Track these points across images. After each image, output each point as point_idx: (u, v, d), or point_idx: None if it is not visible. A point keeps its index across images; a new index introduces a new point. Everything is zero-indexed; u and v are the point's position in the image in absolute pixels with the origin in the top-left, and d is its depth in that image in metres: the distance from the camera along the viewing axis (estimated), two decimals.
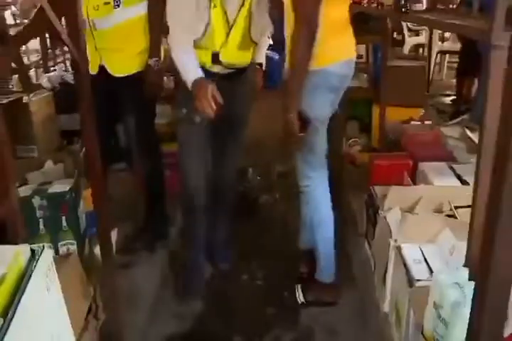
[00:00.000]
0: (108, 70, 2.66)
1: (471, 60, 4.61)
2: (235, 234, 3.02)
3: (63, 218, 1.99)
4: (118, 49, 2.63)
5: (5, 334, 0.63)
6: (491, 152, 1.19)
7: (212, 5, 2.14)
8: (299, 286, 2.58)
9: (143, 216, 3.05)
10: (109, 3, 2.56)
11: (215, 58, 2.27)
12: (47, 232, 1.98)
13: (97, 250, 2.11)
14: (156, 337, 2.36)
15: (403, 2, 2.41)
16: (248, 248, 3.11)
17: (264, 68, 2.59)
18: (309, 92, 2.09)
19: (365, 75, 4.27)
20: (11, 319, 0.65)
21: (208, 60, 2.27)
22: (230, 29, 2.22)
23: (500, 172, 0.87)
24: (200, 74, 2.17)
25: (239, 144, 2.67)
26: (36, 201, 1.95)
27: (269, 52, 7.03)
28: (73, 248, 2.02)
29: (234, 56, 2.30)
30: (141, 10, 2.60)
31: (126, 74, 2.66)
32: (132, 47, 2.65)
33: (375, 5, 3.08)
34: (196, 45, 2.22)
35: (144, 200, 3.03)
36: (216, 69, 2.31)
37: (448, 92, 5.90)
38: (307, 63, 2.00)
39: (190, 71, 2.19)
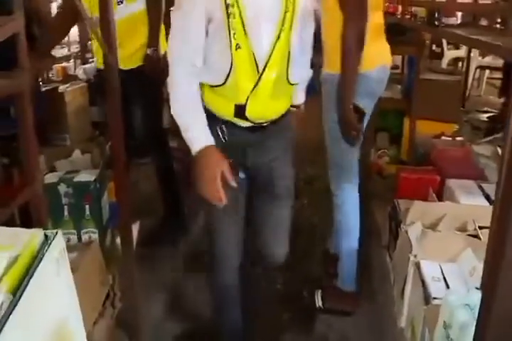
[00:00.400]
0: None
1: None
2: None
3: (87, 207, 2.04)
4: (122, 43, 2.63)
5: (13, 309, 0.67)
6: None
7: (235, 45, 1.54)
8: (319, 292, 2.57)
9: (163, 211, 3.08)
10: None
11: (240, 112, 1.65)
12: (70, 219, 2.03)
13: (119, 240, 2.14)
14: (171, 330, 2.36)
15: (436, 15, 2.37)
16: None
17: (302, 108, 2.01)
18: None
19: (399, 86, 4.22)
20: (20, 297, 0.69)
21: (229, 112, 1.66)
22: (261, 74, 1.60)
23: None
24: (209, 139, 1.58)
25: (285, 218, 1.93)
26: (62, 188, 1.99)
27: None
28: (95, 236, 2.06)
29: (265, 107, 1.68)
30: (141, 5, 2.69)
31: (130, 68, 2.70)
32: (135, 41, 2.72)
33: (409, 16, 3.05)
34: (214, 92, 1.65)
35: (161, 195, 3.06)
36: (241, 123, 1.69)
37: (485, 109, 5.80)
38: (360, 55, 1.98)
39: (195, 129, 1.59)
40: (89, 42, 3.97)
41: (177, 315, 2.47)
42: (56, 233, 0.85)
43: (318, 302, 2.55)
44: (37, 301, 0.74)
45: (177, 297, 2.60)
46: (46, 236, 0.84)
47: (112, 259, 2.18)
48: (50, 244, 0.82)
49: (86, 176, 2.05)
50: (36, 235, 0.82)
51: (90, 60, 4.19)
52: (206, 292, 2.60)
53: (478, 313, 0.84)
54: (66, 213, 2.05)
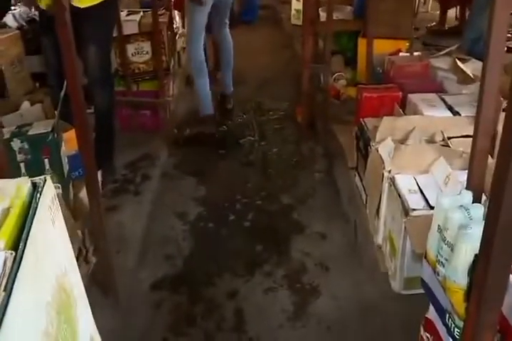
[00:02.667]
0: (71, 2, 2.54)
1: None
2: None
3: (46, 161, 1.92)
4: None
5: (19, 266, 0.62)
6: (495, 77, 1.14)
7: None
8: None
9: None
10: None
11: None
12: (29, 177, 1.91)
13: (83, 193, 2.06)
14: (148, 279, 2.35)
15: None
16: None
17: None
18: None
19: (349, 7, 4.13)
20: (23, 251, 0.64)
21: None
22: None
23: None
24: None
25: None
26: (16, 144, 1.87)
27: None
28: (58, 191, 1.95)
29: None
30: None
31: (88, 5, 2.59)
32: None
33: None
34: None
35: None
36: None
37: (434, 24, 5.77)
38: None
39: None
40: None
41: (150, 264, 2.46)
42: (45, 179, 0.77)
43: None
44: (39, 253, 0.69)
45: (145, 245, 2.57)
46: (34, 184, 0.77)
47: (77, 213, 2.11)
48: (41, 191, 0.76)
49: (40, 128, 1.93)
50: (23, 184, 0.76)
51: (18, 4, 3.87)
52: (176, 238, 2.63)
53: (486, 216, 0.82)
54: (23, 170, 1.94)
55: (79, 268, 1.84)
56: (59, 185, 1.98)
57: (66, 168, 2.07)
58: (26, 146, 1.87)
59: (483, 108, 1.16)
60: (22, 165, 1.91)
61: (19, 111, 2.07)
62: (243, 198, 2.98)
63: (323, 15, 3.67)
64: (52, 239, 0.76)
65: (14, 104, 2.12)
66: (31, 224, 0.68)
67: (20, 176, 1.89)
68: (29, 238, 0.66)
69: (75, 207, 2.15)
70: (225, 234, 2.68)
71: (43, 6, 2.64)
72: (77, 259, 1.91)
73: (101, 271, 2.02)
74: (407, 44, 3.74)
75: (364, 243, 2.33)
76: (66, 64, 1.57)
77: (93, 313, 1.89)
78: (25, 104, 2.07)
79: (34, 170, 1.93)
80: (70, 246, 0.85)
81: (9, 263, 0.61)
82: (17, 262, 0.62)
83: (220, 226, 2.74)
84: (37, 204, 0.72)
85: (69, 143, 2.07)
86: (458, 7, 5.65)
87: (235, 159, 3.51)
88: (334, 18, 3.61)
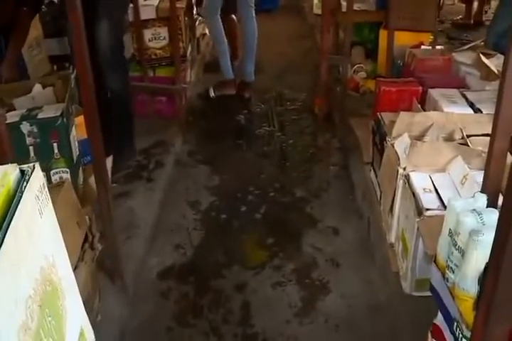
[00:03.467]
0: None
1: None
2: None
3: (55, 145, 1.89)
4: None
5: None
6: None
7: None
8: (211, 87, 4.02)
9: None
10: None
11: None
12: (38, 160, 1.87)
13: (93, 179, 2.03)
14: (156, 268, 2.34)
15: None
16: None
17: None
18: None
19: None
20: (2, 241, 0.61)
21: None
22: None
23: None
24: None
25: None
26: (25, 127, 1.84)
27: None
28: (66, 176, 1.93)
29: None
30: None
31: None
32: None
33: None
34: None
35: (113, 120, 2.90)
36: None
37: (459, 17, 5.66)
38: None
39: None
40: None
41: (159, 252, 2.44)
42: (34, 167, 0.74)
43: (211, 93, 3.97)
44: (20, 244, 0.66)
45: (156, 232, 2.56)
46: (22, 171, 0.73)
47: (86, 199, 2.08)
48: (28, 180, 0.72)
49: (50, 112, 1.88)
50: (10, 171, 0.72)
51: None
52: (187, 226, 2.60)
53: (498, 222, 0.77)
54: (32, 154, 1.91)
55: (84, 254, 1.84)
56: (67, 170, 1.95)
57: (76, 152, 2.04)
58: (35, 130, 1.84)
59: (502, 106, 1.11)
60: (31, 148, 1.88)
61: (31, 93, 2.04)
62: (256, 189, 2.95)
63: (344, 6, 3.59)
64: (38, 229, 0.73)
65: (29, 86, 2.09)
66: (13, 214, 0.65)
67: (28, 159, 1.89)
68: (10, 228, 0.63)
69: (84, 193, 2.13)
70: (236, 225, 2.65)
71: None
72: (83, 245, 1.90)
73: (108, 258, 2.00)
74: (431, 37, 3.66)
75: (377, 240, 2.28)
76: (75, 48, 1.54)
77: (100, 298, 1.89)
78: (37, 87, 2.04)
79: (43, 154, 1.90)
80: (61, 236, 0.82)
81: None
82: None
83: (232, 217, 2.71)
84: (22, 193, 0.69)
85: (81, 127, 2.04)
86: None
87: (251, 149, 3.47)
88: (356, 8, 3.55)
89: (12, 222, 0.63)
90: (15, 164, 0.73)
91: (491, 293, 0.79)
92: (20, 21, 2.66)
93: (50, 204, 0.78)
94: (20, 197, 0.68)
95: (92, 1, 2.56)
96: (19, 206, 0.66)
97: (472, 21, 5.51)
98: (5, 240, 0.61)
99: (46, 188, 0.77)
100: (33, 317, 0.64)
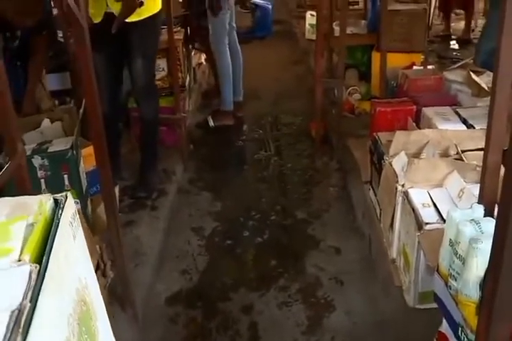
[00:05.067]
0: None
1: None
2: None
3: (65, 177, 1.96)
4: None
5: (43, 278, 0.65)
6: (506, 91, 1.16)
7: None
8: (209, 116, 4.07)
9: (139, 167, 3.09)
10: None
11: None
12: (49, 192, 1.94)
13: (101, 208, 2.09)
14: (163, 293, 2.38)
15: None
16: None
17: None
18: None
19: (363, 21, 4.17)
20: (47, 264, 0.67)
21: None
22: None
23: None
24: None
25: None
26: (37, 161, 1.92)
27: (261, 1, 6.97)
28: (77, 207, 1.99)
29: None
30: None
31: (136, 20, 2.68)
32: None
33: None
34: None
35: (140, 149, 3.10)
36: None
37: (441, 31, 5.87)
38: None
39: None
40: None
41: (166, 278, 2.48)
42: (66, 196, 0.81)
43: (210, 123, 4.04)
44: (61, 267, 0.72)
45: (162, 259, 2.60)
46: (56, 200, 0.80)
47: (96, 228, 2.14)
48: (63, 207, 0.79)
49: (60, 145, 1.97)
50: (46, 201, 0.79)
51: None
52: (192, 252, 2.65)
53: (495, 230, 0.83)
54: (44, 187, 1.98)
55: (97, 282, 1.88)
56: (78, 201, 2.02)
57: (85, 183, 2.11)
58: (46, 163, 1.91)
59: (493, 121, 1.18)
60: (42, 181, 1.96)
61: (39, 128, 2.11)
62: (258, 213, 3.01)
63: (337, 30, 3.70)
64: (73, 253, 0.79)
65: (35, 121, 2.17)
66: (54, 239, 0.71)
67: (40, 192, 1.96)
68: (52, 252, 0.69)
69: (93, 222, 2.19)
70: (240, 249, 2.70)
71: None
72: (96, 273, 1.94)
73: (119, 285, 2.05)
74: (422, 57, 3.77)
75: (378, 257, 2.34)
76: (84, 82, 1.61)
77: (111, 326, 1.93)
78: (46, 122, 2.12)
79: (54, 186, 1.97)
80: (90, 260, 0.88)
81: (34, 276, 0.64)
82: (41, 275, 0.65)
83: (236, 241, 2.76)
84: (59, 220, 0.75)
85: (87, 159, 2.11)
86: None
87: (250, 174, 3.54)
88: (348, 32, 3.65)
89: (53, 247, 0.69)
90: (49, 194, 0.80)
91: (492, 296, 0.85)
92: (39, 48, 2.72)
93: (81, 229, 0.85)
94: (58, 223, 0.75)
95: (129, 32, 2.70)
96: (58, 232, 0.73)
97: (451, 32, 5.79)
98: (49, 264, 0.67)
99: (77, 215, 0.83)
100: (74, 334, 0.70)
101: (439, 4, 5.75)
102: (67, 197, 0.80)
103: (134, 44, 2.77)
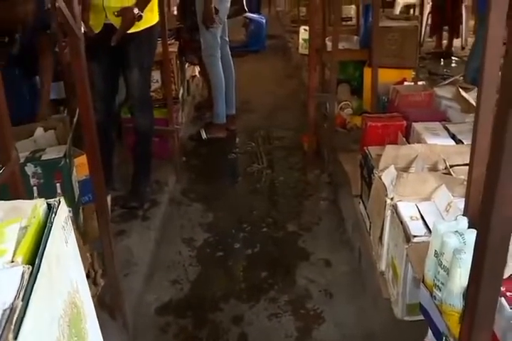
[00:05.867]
0: (117, 28, 2.71)
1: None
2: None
3: (58, 185, 1.97)
4: None
5: (35, 279, 0.67)
6: (490, 107, 1.20)
7: None
8: (202, 129, 4.16)
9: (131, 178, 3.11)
10: None
11: None
12: None
13: (93, 217, 2.10)
14: (154, 303, 2.39)
15: None
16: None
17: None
18: None
19: (356, 37, 4.23)
20: (39, 266, 0.69)
21: None
22: None
23: (501, 125, 0.85)
24: None
25: None
26: (29, 168, 1.93)
27: (255, 15, 7.07)
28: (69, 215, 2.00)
29: None
30: None
31: (134, 31, 2.72)
32: None
33: None
34: None
35: (133, 160, 3.13)
36: None
37: (433, 48, 5.98)
38: None
39: None
40: None
41: (156, 288, 2.49)
42: (59, 201, 0.83)
43: (203, 135, 4.11)
44: (53, 269, 0.73)
45: (152, 269, 2.61)
46: (49, 205, 0.82)
47: (87, 237, 2.15)
48: (56, 212, 0.81)
49: (53, 153, 1.98)
50: (40, 205, 0.81)
51: None
52: (183, 263, 2.66)
53: (475, 241, 0.86)
54: (36, 194, 1.99)
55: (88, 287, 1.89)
56: (69, 209, 2.01)
57: (77, 192, 2.12)
58: (39, 171, 1.93)
59: (478, 136, 1.21)
60: (35, 189, 1.96)
61: (33, 137, 2.13)
62: (249, 225, 3.02)
63: (329, 45, 3.75)
64: (64, 257, 0.80)
65: (29, 130, 2.18)
66: (46, 241, 0.73)
67: (33, 199, 1.96)
68: (44, 254, 0.71)
69: (84, 231, 2.20)
70: (231, 260, 2.71)
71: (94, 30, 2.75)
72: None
73: (109, 294, 2.05)
74: (413, 73, 3.82)
75: (367, 269, 2.36)
76: (78, 91, 1.63)
77: (101, 335, 1.93)
78: (39, 130, 2.13)
79: (46, 194, 1.97)
80: (81, 264, 0.89)
81: (26, 276, 0.66)
82: (33, 275, 0.67)
83: (227, 253, 2.77)
84: (52, 224, 0.77)
85: (80, 168, 2.13)
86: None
87: (242, 186, 3.56)
88: (341, 47, 3.70)
89: (46, 249, 0.71)
90: (43, 198, 0.82)
91: (473, 305, 0.87)
92: (46, 47, 2.71)
93: (73, 233, 0.87)
94: (51, 227, 0.77)
95: (125, 44, 2.74)
96: (50, 235, 0.75)
97: (444, 50, 5.85)
98: (41, 265, 0.69)
99: (70, 219, 0.85)
100: (64, 335, 0.71)
101: (431, 22, 5.89)
102: (60, 202, 0.82)
103: (130, 55, 2.81)
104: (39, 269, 0.68)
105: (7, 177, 1.29)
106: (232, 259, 2.72)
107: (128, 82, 2.89)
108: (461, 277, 1.04)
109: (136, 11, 2.64)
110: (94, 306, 1.83)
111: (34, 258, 0.70)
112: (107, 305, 2.09)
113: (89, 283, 1.92)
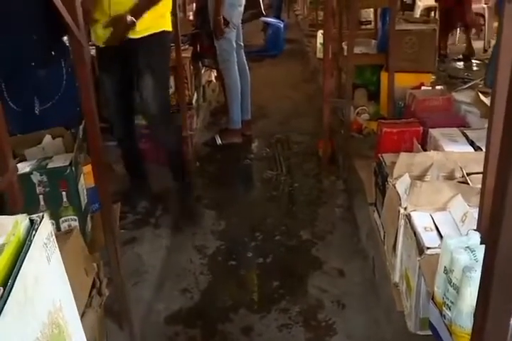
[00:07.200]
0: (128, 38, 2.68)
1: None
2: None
3: (63, 194, 1.94)
4: None
5: (5, 302, 0.63)
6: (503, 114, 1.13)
7: None
8: (217, 135, 4.12)
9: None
10: None
11: None
12: (47, 209, 1.93)
13: (100, 226, 2.07)
14: (163, 312, 2.35)
15: None
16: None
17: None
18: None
19: (373, 41, 4.16)
20: (11, 288, 0.65)
21: None
22: None
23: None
24: None
25: None
26: (35, 177, 1.90)
27: (273, 20, 7.06)
28: (75, 224, 1.98)
29: None
30: None
31: (141, 36, 2.69)
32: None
33: None
34: None
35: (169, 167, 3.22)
36: None
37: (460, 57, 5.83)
38: None
39: None
40: None
41: (166, 297, 2.45)
42: (42, 217, 0.79)
43: (218, 141, 4.07)
44: (28, 290, 0.70)
45: (163, 278, 2.57)
46: (32, 220, 0.79)
47: (94, 246, 2.12)
48: (37, 229, 0.77)
49: (59, 161, 1.95)
50: (21, 221, 0.77)
51: None
52: (194, 271, 2.62)
53: (483, 258, 0.80)
54: (42, 203, 1.96)
55: (92, 300, 1.86)
56: (76, 218, 2.00)
57: (84, 200, 2.09)
58: (45, 179, 1.90)
59: (491, 145, 1.15)
60: (41, 197, 1.94)
61: (41, 144, 2.11)
62: (263, 233, 2.98)
63: (346, 49, 3.69)
64: (46, 275, 0.77)
65: (37, 137, 2.17)
66: (23, 261, 0.69)
67: (38, 208, 1.94)
68: (19, 275, 0.67)
69: (92, 239, 2.17)
70: (242, 269, 2.67)
71: (99, 43, 2.75)
72: (91, 291, 1.92)
73: (116, 303, 2.02)
74: (432, 77, 3.75)
75: (381, 280, 2.29)
76: (83, 99, 1.60)
77: None
78: (47, 138, 2.12)
79: (52, 202, 1.95)
80: (67, 282, 0.85)
81: None
82: (4, 298, 0.63)
83: (239, 261, 2.73)
84: (31, 242, 0.74)
85: (88, 175, 2.10)
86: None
87: (257, 193, 3.52)
88: (358, 52, 3.64)
89: (21, 270, 0.68)
90: (25, 214, 0.78)
91: (481, 328, 0.81)
92: None
93: (58, 251, 0.83)
94: (29, 245, 0.73)
95: (134, 52, 2.73)
96: (28, 254, 0.71)
97: (447, 52, 5.96)
98: (14, 287, 0.65)
99: (53, 236, 0.81)
100: None
101: (439, 23, 5.80)
102: (43, 218, 0.78)
103: (140, 60, 2.76)
104: (11, 291, 0.64)
105: (5, 187, 1.26)
106: (243, 268, 2.67)
107: (143, 95, 2.82)
108: (471, 297, 0.97)
109: (128, 18, 2.59)
110: (100, 316, 1.81)
111: (9, 278, 0.67)
112: (114, 314, 2.06)
113: (94, 293, 1.91)
